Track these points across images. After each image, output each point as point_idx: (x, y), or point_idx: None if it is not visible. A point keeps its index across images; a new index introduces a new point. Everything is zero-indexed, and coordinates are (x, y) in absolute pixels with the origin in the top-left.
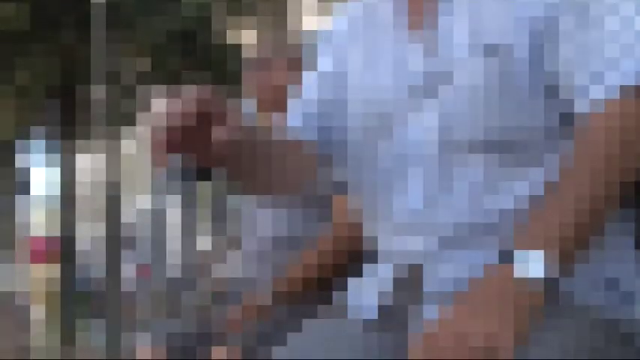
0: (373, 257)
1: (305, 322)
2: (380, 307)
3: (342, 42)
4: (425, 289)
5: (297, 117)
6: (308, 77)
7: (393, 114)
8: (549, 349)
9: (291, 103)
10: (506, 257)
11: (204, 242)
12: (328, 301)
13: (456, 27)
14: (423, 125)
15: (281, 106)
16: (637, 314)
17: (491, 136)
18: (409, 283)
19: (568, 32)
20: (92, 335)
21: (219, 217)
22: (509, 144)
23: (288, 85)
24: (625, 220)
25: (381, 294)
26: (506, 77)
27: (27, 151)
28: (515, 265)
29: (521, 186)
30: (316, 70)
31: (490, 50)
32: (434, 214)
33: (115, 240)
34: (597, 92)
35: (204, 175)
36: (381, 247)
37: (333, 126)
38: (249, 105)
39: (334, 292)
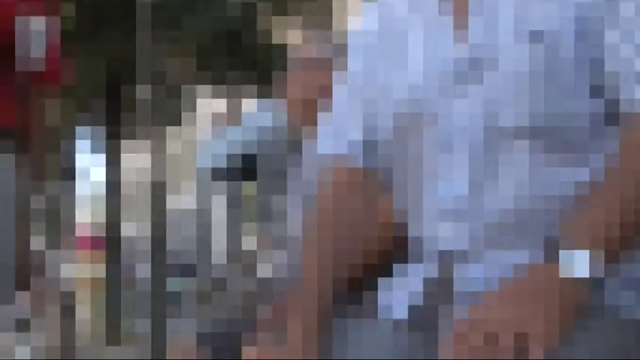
0: (413, 254)
1: (335, 321)
2: (410, 307)
3: (373, 41)
4: (456, 289)
5: (329, 142)
6: (338, 90)
7: (436, 101)
8: (581, 349)
9: (322, 126)
10: (551, 257)
11: (249, 242)
12: (358, 301)
13: (500, 13)
14: (468, 111)
15: (325, 107)
16: None
17: (536, 122)
18: (440, 282)
19: (613, 28)
20: (137, 326)
21: (264, 217)
22: (555, 130)
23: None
24: None
25: (411, 294)
26: (551, 63)
27: (73, 151)
28: (561, 265)
29: (568, 172)
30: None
31: (535, 36)
32: (479, 200)
33: (161, 240)
34: None
35: (249, 174)
36: (426, 233)
37: (367, 127)
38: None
39: (364, 292)
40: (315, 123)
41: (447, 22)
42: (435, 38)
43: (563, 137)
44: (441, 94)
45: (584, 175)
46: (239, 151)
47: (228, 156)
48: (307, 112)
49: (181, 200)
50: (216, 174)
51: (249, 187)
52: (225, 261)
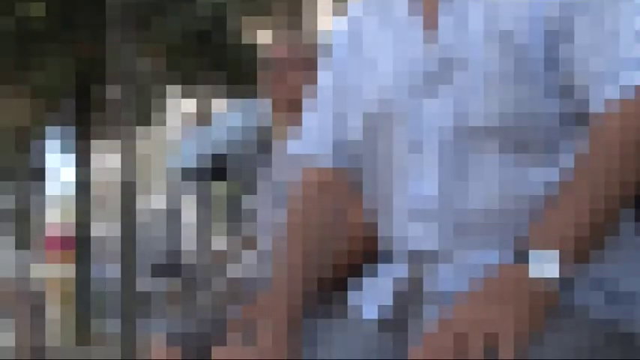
0: (383, 254)
1: (305, 321)
2: (380, 307)
3: (343, 42)
4: (425, 290)
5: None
6: (308, 90)
7: (405, 101)
8: (550, 349)
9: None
10: (521, 257)
11: (219, 242)
12: (328, 301)
13: (470, 13)
14: (438, 111)
15: (296, 106)
16: (636, 314)
17: (506, 122)
18: (410, 282)
19: (583, 28)
20: (107, 325)
21: (234, 217)
22: (524, 130)
23: (303, 84)
24: (628, 219)
25: (381, 294)
26: (521, 63)
27: (42, 151)
28: (530, 265)
29: (538, 172)
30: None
31: (505, 37)
32: (449, 200)
33: (130, 240)
34: (613, 91)
35: (219, 175)
36: (396, 233)
37: (338, 127)
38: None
39: (334, 292)
40: (285, 123)
41: (416, 22)
42: (404, 38)
43: (533, 137)
44: (410, 94)
45: (553, 175)
46: (209, 151)
47: (198, 156)
48: (277, 113)
49: (151, 200)
50: (186, 174)
51: (218, 187)
52: (195, 261)
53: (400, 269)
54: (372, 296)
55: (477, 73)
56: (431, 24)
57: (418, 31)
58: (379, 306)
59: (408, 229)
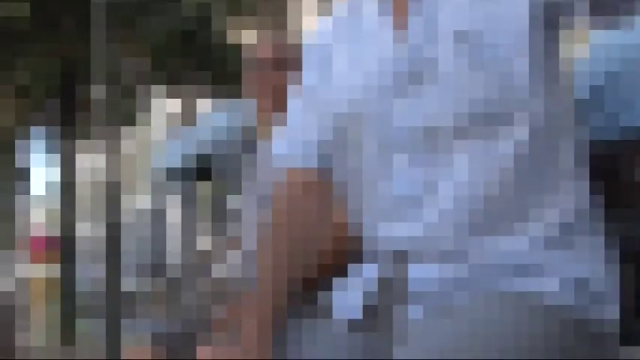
0: (368, 255)
1: (290, 321)
2: (365, 307)
3: (328, 42)
4: (410, 289)
5: (290, 145)
6: (292, 91)
7: (375, 101)
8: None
9: (279, 130)
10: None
11: (204, 242)
12: (313, 301)
13: (440, 14)
14: (408, 111)
15: (280, 106)
16: (606, 314)
17: (476, 122)
18: (394, 283)
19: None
20: (92, 327)
21: (219, 217)
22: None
23: (288, 85)
24: (594, 219)
25: (365, 294)
26: (490, 63)
27: (27, 151)
28: None
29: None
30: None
31: (475, 36)
32: (419, 200)
33: (115, 240)
34: None
35: (204, 174)
36: (380, 233)
37: (321, 127)
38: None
39: (319, 292)
40: (269, 123)
41: (386, 22)
42: (374, 38)
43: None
44: (380, 94)
45: None
46: (194, 151)
47: (183, 156)
48: (262, 112)
49: (136, 200)
50: (171, 174)
51: (204, 187)
52: (179, 261)
53: (371, 270)
54: (357, 296)
55: (447, 73)
56: (401, 24)
57: (388, 31)
58: (364, 306)
59: (377, 229)
